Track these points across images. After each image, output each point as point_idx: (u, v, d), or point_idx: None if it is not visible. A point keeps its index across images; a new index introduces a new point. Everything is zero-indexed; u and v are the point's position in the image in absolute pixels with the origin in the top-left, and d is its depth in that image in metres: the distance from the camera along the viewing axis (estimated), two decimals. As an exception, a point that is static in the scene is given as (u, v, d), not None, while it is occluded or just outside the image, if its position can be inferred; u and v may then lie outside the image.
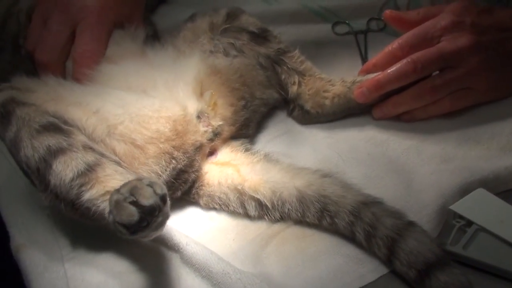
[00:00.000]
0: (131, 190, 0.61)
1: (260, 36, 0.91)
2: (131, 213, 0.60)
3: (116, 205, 0.61)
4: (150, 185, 0.62)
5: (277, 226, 0.75)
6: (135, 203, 0.60)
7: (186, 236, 0.72)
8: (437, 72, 0.84)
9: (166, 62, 0.85)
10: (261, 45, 0.90)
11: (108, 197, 0.65)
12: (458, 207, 0.71)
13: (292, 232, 0.74)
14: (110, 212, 0.62)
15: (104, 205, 0.66)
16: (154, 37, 0.93)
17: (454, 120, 0.86)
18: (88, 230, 0.75)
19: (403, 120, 0.87)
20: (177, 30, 0.92)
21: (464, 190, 0.74)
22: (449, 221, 0.72)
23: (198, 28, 0.91)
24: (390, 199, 0.72)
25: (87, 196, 0.67)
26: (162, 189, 0.62)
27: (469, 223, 0.70)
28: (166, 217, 0.64)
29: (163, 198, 0.62)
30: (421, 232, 0.68)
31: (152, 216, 0.61)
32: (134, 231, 0.61)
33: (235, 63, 0.87)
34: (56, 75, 0.82)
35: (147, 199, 0.60)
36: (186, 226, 0.75)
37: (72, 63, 0.85)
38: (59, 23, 0.87)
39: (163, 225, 0.64)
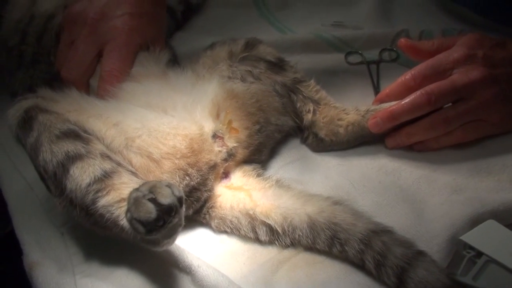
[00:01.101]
0: (150, 189, 0.64)
1: (277, 65, 0.92)
2: (149, 210, 0.62)
3: (135, 202, 0.63)
4: (169, 186, 0.64)
5: (288, 252, 0.75)
6: (153, 201, 0.62)
7: (198, 258, 0.72)
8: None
9: (186, 85, 0.87)
10: (278, 74, 0.92)
11: (123, 204, 0.67)
12: (468, 237, 0.71)
13: (303, 258, 0.74)
14: (128, 210, 0.64)
15: (118, 212, 0.68)
16: (174, 61, 0.96)
17: (466, 151, 0.86)
18: (101, 248, 0.76)
19: (415, 150, 0.88)
20: (197, 57, 0.95)
21: (475, 221, 0.74)
22: (460, 251, 0.72)
23: (217, 55, 0.93)
24: (400, 228, 0.73)
25: (102, 202, 0.68)
26: (180, 192, 0.64)
27: (479, 254, 0.70)
28: (181, 222, 0.65)
29: (180, 200, 0.64)
30: (431, 262, 0.68)
31: (169, 215, 0.62)
32: (150, 229, 0.62)
33: (252, 89, 0.88)
34: (81, 92, 0.84)
35: (166, 197, 0.63)
36: (197, 248, 0.76)
37: (99, 80, 0.88)
38: (87, 43, 0.90)
39: (177, 231, 0.65)
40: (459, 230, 0.73)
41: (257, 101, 0.87)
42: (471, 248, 0.71)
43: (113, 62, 0.88)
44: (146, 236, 0.64)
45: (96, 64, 0.91)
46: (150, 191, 0.63)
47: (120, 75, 0.87)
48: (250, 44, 0.94)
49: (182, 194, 0.65)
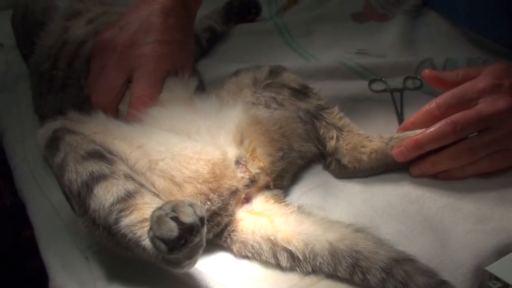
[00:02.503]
0: (173, 207, 0.65)
1: (301, 92, 0.93)
2: (171, 228, 0.63)
3: (158, 220, 0.64)
4: (191, 205, 0.65)
5: (309, 279, 0.75)
6: (175, 219, 0.63)
7: (219, 283, 0.72)
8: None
9: (210, 110, 0.88)
10: (301, 101, 0.92)
11: (145, 224, 0.68)
12: (494, 268, 0.70)
13: (324, 285, 0.74)
14: (151, 228, 0.65)
15: (140, 232, 0.68)
16: (201, 87, 0.97)
17: (491, 180, 0.86)
18: (124, 272, 0.77)
19: (440, 178, 0.87)
20: (221, 83, 0.96)
21: (500, 252, 0.73)
22: (485, 282, 0.71)
23: (242, 82, 0.94)
24: (424, 257, 0.72)
25: (125, 221, 0.69)
26: (202, 212, 0.65)
27: (506, 285, 0.69)
28: (202, 242, 0.66)
29: (202, 220, 0.65)
30: (454, 292, 0.67)
31: (191, 234, 0.63)
32: (172, 248, 0.63)
33: (276, 115, 0.89)
34: (109, 117, 0.86)
35: (188, 216, 0.64)
36: (218, 273, 0.76)
37: (128, 106, 0.90)
38: (117, 70, 0.92)
39: (198, 252, 0.66)
40: (484, 261, 0.72)
41: (280, 128, 0.88)
42: (497, 279, 0.70)
43: (142, 89, 0.90)
44: (167, 255, 0.64)
45: (125, 90, 0.92)
46: (172, 210, 0.64)
47: (149, 101, 0.89)
48: (274, 71, 0.95)
49: (204, 214, 0.66)
